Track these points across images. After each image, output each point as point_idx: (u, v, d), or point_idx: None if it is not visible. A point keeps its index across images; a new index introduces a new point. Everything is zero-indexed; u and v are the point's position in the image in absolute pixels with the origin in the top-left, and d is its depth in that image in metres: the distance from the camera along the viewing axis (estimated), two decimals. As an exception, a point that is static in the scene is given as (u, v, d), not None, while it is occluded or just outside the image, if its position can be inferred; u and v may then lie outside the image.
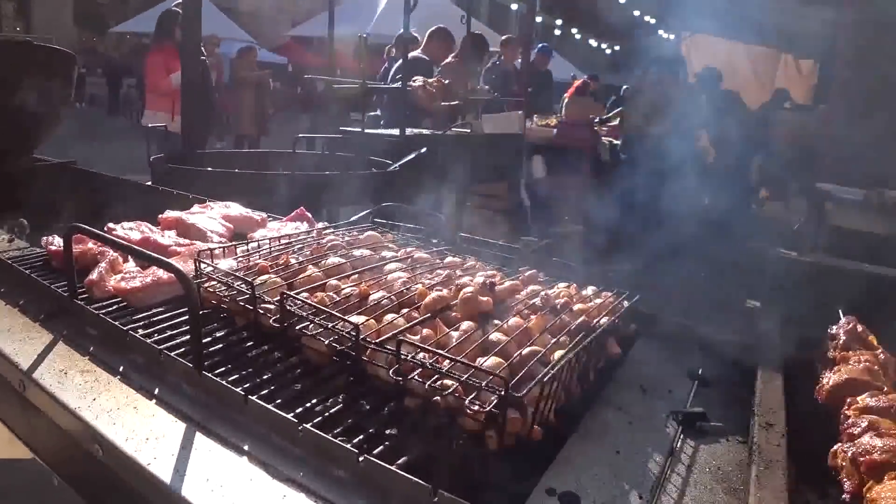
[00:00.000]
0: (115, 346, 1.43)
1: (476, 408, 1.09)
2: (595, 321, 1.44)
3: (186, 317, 1.41)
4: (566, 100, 7.40)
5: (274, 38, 22.51)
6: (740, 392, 1.46)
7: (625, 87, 7.77)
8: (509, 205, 6.24)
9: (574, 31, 6.94)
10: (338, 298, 1.46)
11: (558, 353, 1.25)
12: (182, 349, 1.36)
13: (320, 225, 2.07)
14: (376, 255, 1.75)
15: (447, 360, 1.18)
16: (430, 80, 4.84)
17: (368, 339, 1.28)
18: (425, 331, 1.36)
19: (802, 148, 6.57)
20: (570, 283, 1.69)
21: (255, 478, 1.08)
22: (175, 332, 1.45)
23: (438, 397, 1.16)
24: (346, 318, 1.31)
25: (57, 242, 1.80)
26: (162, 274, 1.59)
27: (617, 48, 9.63)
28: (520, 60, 6.88)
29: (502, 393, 1.05)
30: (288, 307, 1.38)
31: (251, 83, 9.71)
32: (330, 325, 1.32)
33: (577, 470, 1.15)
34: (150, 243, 1.84)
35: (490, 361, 1.20)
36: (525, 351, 1.26)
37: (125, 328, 1.43)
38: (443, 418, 1.17)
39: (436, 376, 1.16)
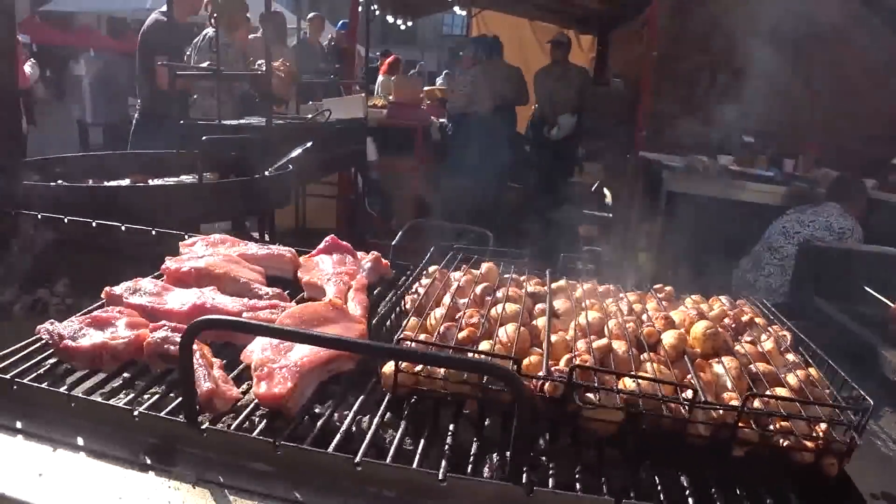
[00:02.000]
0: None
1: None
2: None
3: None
4: (382, 78, 7.11)
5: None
6: None
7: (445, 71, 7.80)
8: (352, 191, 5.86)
9: (374, 7, 6.66)
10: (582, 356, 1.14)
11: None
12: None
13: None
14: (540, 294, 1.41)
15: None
16: (275, 64, 4.21)
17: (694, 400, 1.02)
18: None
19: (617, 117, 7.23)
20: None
21: None
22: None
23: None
24: (639, 376, 1.05)
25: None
26: (300, 359, 1.06)
27: (410, 23, 9.59)
28: (332, 38, 6.41)
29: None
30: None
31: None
32: (618, 389, 1.04)
33: None
34: (223, 311, 1.23)
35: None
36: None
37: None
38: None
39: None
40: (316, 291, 1.47)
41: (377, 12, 7.35)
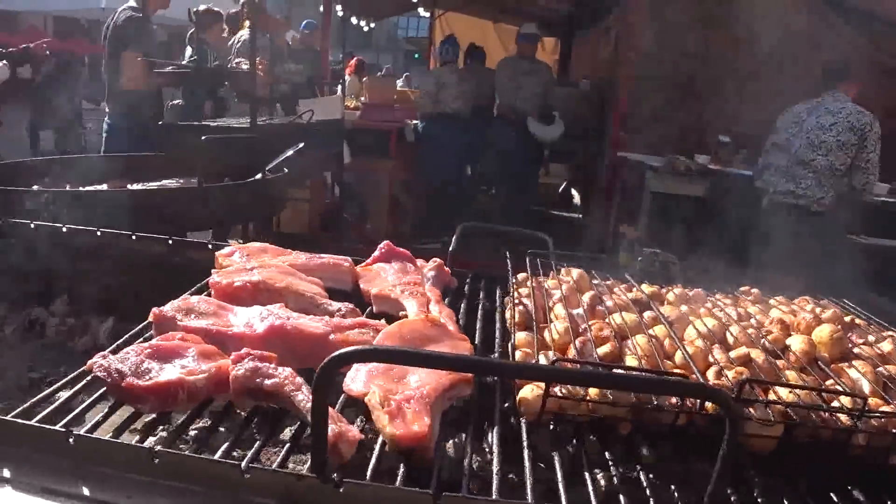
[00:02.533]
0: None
1: None
2: None
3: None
4: (349, 79, 6.87)
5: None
6: None
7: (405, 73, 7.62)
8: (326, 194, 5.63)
9: (338, 8, 6.46)
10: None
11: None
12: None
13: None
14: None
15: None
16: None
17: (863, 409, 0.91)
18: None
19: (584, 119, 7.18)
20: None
21: None
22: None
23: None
24: (804, 386, 0.96)
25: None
26: (425, 388, 0.90)
27: (373, 25, 9.36)
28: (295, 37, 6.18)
29: None
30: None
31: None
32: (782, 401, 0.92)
33: None
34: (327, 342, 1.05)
35: None
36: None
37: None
38: None
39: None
40: (388, 305, 1.29)
41: (341, 13, 7.13)
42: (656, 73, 5.62)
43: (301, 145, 3.24)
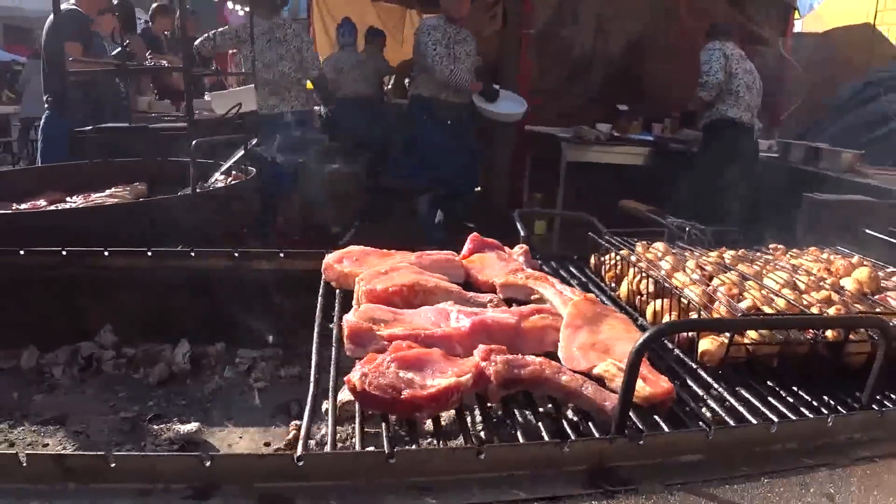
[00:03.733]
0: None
1: None
2: None
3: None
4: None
5: None
6: None
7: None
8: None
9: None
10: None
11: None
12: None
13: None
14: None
15: None
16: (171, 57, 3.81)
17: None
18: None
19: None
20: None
21: None
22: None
23: None
24: None
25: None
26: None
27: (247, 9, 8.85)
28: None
29: None
30: None
31: None
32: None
33: None
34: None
35: None
36: None
37: None
38: None
39: None
40: (515, 291, 1.42)
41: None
42: (553, 47, 5.99)
43: (254, 141, 3.19)
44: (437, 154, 4.99)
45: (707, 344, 1.16)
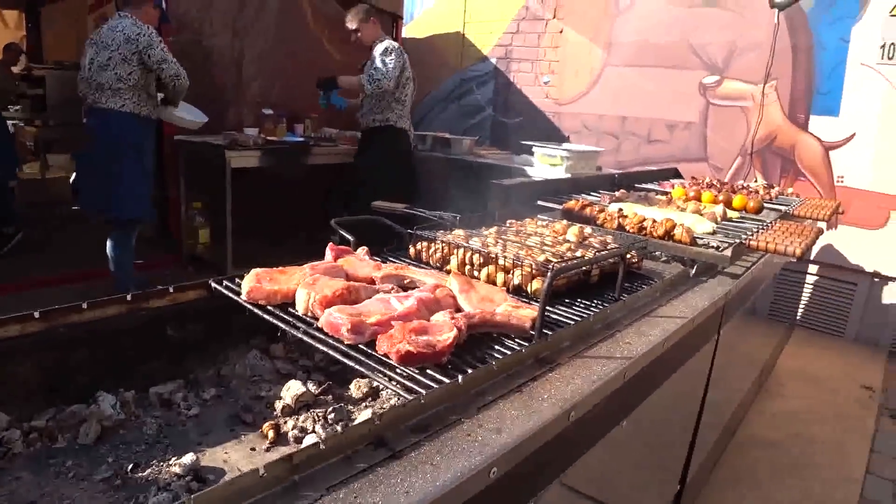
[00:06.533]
0: None
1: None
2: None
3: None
4: None
5: None
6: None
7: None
8: None
9: None
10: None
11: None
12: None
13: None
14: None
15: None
16: None
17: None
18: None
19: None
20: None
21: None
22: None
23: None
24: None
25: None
26: None
27: None
28: None
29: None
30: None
31: None
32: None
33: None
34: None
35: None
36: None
37: None
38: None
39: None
40: (392, 280, 2.06)
41: None
42: (202, 53, 6.23)
43: None
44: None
45: (536, 284, 2.03)
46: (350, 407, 1.82)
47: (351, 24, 5.73)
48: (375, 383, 1.82)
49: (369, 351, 1.58)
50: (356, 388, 1.90)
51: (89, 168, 5.18)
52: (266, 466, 1.08)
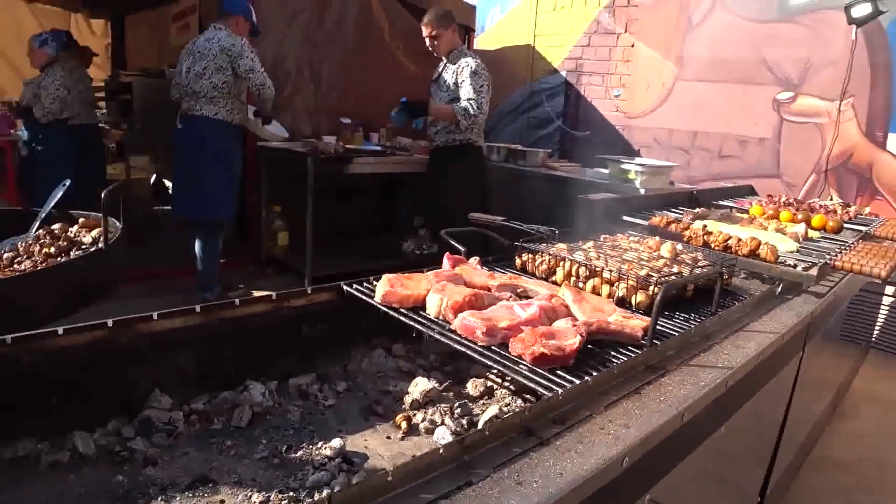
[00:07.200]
0: None
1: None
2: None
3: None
4: None
5: None
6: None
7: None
8: None
9: None
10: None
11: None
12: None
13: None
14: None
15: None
16: None
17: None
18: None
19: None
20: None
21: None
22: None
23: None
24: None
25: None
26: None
27: None
28: None
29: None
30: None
31: None
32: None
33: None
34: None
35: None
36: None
37: None
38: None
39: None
40: (507, 289, 2.28)
41: None
42: (285, 67, 6.60)
43: (68, 183, 3.28)
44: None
45: (640, 297, 2.21)
46: (470, 403, 2.02)
47: (429, 29, 5.29)
48: (490, 383, 2.04)
49: (502, 352, 1.79)
50: (473, 387, 2.10)
51: (180, 171, 5.53)
52: (444, 447, 1.30)
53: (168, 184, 8.63)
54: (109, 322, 1.91)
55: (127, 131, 8.15)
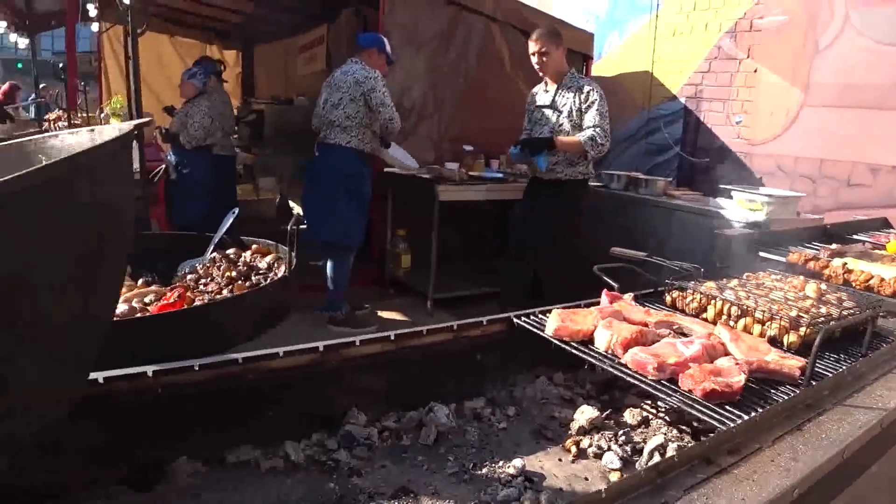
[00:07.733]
0: None
1: None
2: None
3: None
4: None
5: None
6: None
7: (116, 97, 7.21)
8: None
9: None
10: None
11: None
12: None
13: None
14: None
15: None
16: None
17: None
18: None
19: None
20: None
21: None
22: None
23: None
24: None
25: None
26: None
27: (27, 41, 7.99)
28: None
29: None
30: None
31: None
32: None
33: None
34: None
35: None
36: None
37: None
38: None
39: None
40: (664, 325, 2.51)
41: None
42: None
43: (237, 211, 3.75)
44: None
45: (792, 337, 2.39)
46: (630, 431, 2.25)
47: (539, 45, 5.15)
48: (645, 413, 2.27)
49: (672, 386, 2.03)
50: (631, 416, 2.34)
51: (314, 195, 6.00)
52: (644, 470, 1.56)
53: (292, 204, 9.31)
54: (320, 346, 2.28)
55: (258, 155, 8.86)
